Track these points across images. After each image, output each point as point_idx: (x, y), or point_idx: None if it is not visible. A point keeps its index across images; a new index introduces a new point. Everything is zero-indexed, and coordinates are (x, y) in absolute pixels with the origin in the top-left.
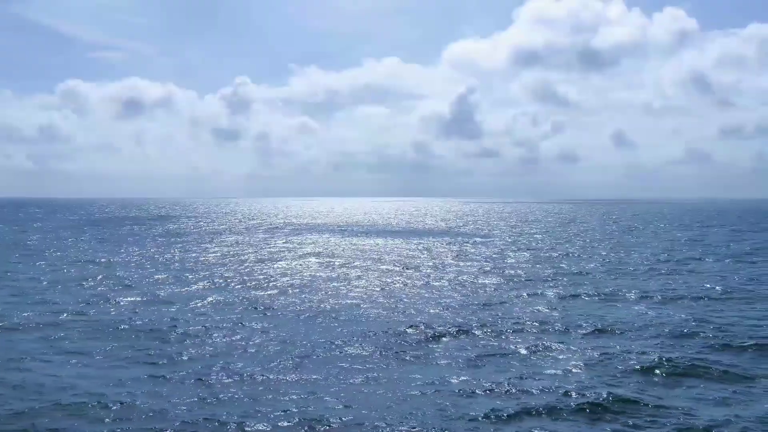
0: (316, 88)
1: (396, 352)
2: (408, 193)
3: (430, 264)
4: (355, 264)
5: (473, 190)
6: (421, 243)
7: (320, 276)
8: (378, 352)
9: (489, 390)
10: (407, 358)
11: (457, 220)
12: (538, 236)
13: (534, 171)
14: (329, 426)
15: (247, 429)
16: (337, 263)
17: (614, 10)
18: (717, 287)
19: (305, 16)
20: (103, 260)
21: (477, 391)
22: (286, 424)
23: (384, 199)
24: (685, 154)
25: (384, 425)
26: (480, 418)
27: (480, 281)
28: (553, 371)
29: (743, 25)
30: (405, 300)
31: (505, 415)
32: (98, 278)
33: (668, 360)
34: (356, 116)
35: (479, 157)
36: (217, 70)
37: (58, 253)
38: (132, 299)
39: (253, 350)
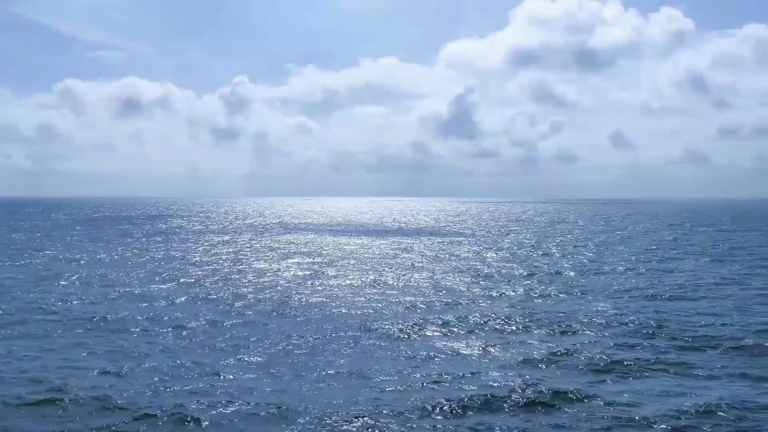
0: (314, 87)
1: (354, 348)
2: (407, 193)
3: (408, 263)
4: (334, 263)
5: (472, 190)
6: (405, 242)
7: (294, 275)
8: (335, 348)
9: (436, 383)
10: (360, 353)
11: (448, 220)
12: (521, 236)
13: (533, 171)
14: (294, 417)
15: (213, 421)
16: (316, 263)
17: (610, 11)
18: (686, 286)
19: (304, 16)
20: (84, 259)
21: (425, 385)
22: (253, 414)
23: (383, 199)
24: (683, 155)
25: (342, 417)
26: (428, 411)
27: (450, 280)
28: (502, 367)
29: (739, 25)
30: (372, 298)
31: (449, 408)
32: (74, 276)
33: (616, 356)
34: (355, 116)
35: (478, 157)
36: (215, 70)
37: (42, 252)
38: (106, 296)
39: (220, 344)
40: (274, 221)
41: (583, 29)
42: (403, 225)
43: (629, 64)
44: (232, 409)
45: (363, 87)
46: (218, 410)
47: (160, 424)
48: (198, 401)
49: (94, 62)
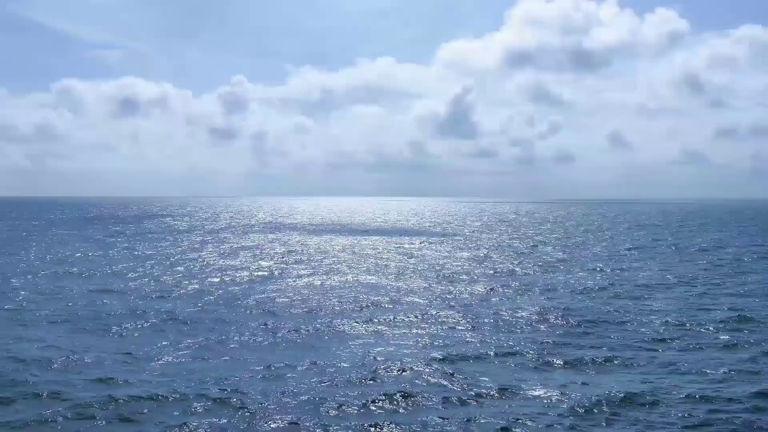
0: (312, 87)
1: (287, 341)
2: (405, 193)
3: (376, 261)
4: (305, 262)
5: (470, 189)
6: (383, 241)
7: (258, 275)
8: (268, 342)
9: (372, 379)
10: (288, 345)
11: (435, 220)
12: (504, 236)
13: (530, 171)
14: (233, 404)
15: (157, 411)
16: (287, 261)
17: (606, 11)
18: (643, 285)
19: (301, 16)
20: (59, 256)
21: (358, 380)
22: (200, 404)
23: (380, 199)
24: (680, 155)
25: (264, 399)
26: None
27: (409, 278)
28: (424, 359)
29: (735, 26)
30: (328, 295)
31: (385, 400)
32: (42, 273)
33: (518, 350)
34: (353, 115)
35: (476, 157)
36: (213, 70)
37: (22, 251)
38: (71, 291)
39: (169, 337)
40: (260, 221)
41: (579, 30)
42: (391, 225)
43: (625, 64)
44: (188, 392)
45: (361, 87)
46: (169, 400)
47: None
48: (144, 393)
49: (92, 61)
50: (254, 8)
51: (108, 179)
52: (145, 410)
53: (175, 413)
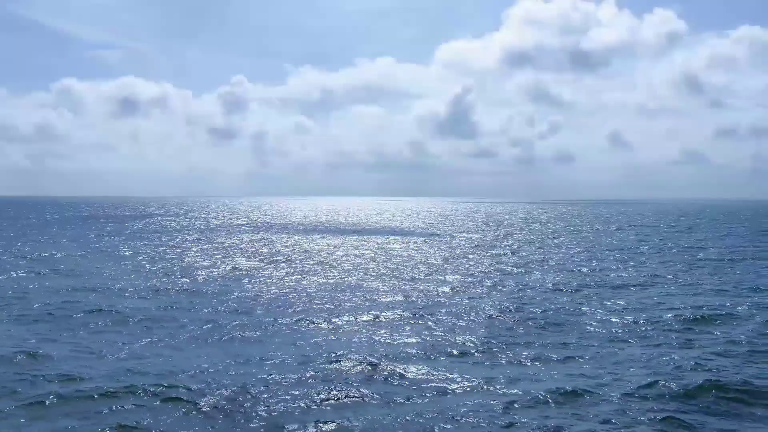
0: (312, 87)
1: (241, 333)
2: (405, 193)
3: (353, 261)
4: (283, 261)
5: (470, 190)
6: (366, 241)
7: (233, 273)
8: (219, 334)
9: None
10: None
11: (426, 221)
12: (489, 235)
13: (530, 171)
14: (182, 397)
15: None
16: (266, 260)
17: (604, 12)
18: (608, 282)
19: (301, 16)
20: (43, 255)
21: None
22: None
23: (379, 199)
24: (680, 155)
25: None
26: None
27: (379, 278)
28: (353, 351)
29: (734, 26)
30: (294, 293)
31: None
32: (19, 272)
33: (467, 347)
34: (352, 115)
35: (476, 157)
36: (213, 69)
37: (6, 250)
38: (43, 289)
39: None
40: (251, 221)
41: (578, 30)
42: (382, 225)
43: (624, 64)
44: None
45: (361, 87)
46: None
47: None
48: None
49: (92, 61)
50: (254, 8)
51: (108, 179)
52: (102, 406)
53: (130, 407)
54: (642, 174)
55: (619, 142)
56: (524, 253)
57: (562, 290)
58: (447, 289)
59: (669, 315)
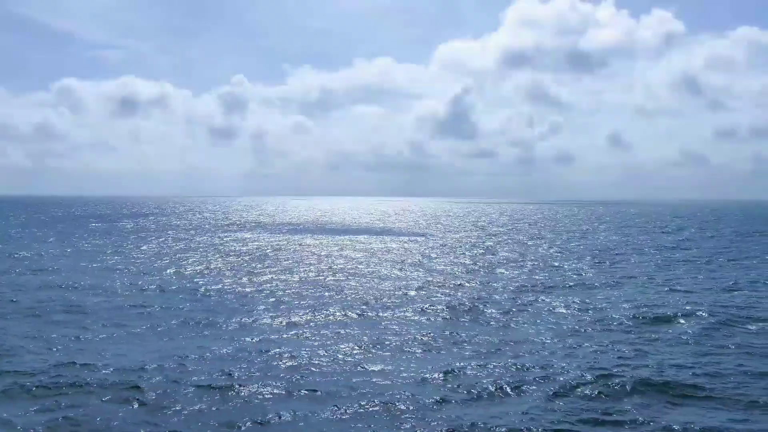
0: (311, 87)
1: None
2: (405, 193)
3: (324, 260)
4: (257, 260)
5: (470, 190)
6: (344, 241)
7: (200, 270)
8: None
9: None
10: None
11: (417, 221)
12: (461, 235)
13: (530, 171)
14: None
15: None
16: (241, 260)
17: (602, 13)
18: (571, 280)
19: (301, 16)
20: (23, 254)
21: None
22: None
23: (378, 199)
24: (679, 156)
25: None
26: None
27: (344, 277)
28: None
29: (732, 27)
30: (254, 290)
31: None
32: None
33: (410, 344)
34: (352, 115)
35: (476, 157)
36: (213, 69)
37: None
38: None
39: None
40: (239, 220)
41: (575, 30)
42: (372, 225)
43: (623, 65)
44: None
45: (360, 87)
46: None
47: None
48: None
49: (91, 61)
50: (254, 8)
51: (107, 178)
52: (48, 399)
53: (78, 400)
54: (642, 174)
55: (619, 142)
56: (502, 253)
57: (525, 289)
58: (409, 288)
59: (624, 314)
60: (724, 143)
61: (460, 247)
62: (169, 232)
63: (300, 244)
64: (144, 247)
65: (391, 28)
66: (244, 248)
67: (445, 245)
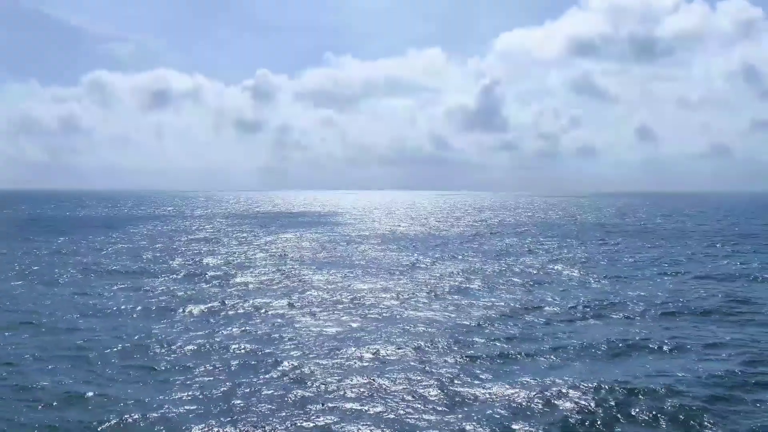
0: (334, 80)
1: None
2: (428, 187)
3: (306, 252)
4: (241, 254)
5: (494, 184)
6: (348, 235)
7: (175, 265)
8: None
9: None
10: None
11: (411, 214)
12: (450, 225)
13: (553, 164)
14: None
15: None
16: (226, 252)
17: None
18: (550, 272)
19: (324, 9)
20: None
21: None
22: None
23: (400, 192)
24: (721, 148)
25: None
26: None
27: (318, 269)
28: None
29: None
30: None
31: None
32: None
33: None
34: (377, 109)
35: (500, 150)
36: (237, 62)
37: None
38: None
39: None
40: (235, 212)
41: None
42: (371, 220)
43: (686, 55)
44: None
45: (386, 79)
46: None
47: None
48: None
49: (113, 54)
50: (276, 1)
51: (128, 172)
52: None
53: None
54: (669, 167)
55: (652, 135)
56: (484, 244)
57: (491, 276)
58: (368, 276)
59: (554, 309)
60: None
61: (450, 239)
62: (157, 226)
63: (290, 238)
64: (130, 247)
65: (414, 21)
66: (223, 250)
67: (439, 239)
